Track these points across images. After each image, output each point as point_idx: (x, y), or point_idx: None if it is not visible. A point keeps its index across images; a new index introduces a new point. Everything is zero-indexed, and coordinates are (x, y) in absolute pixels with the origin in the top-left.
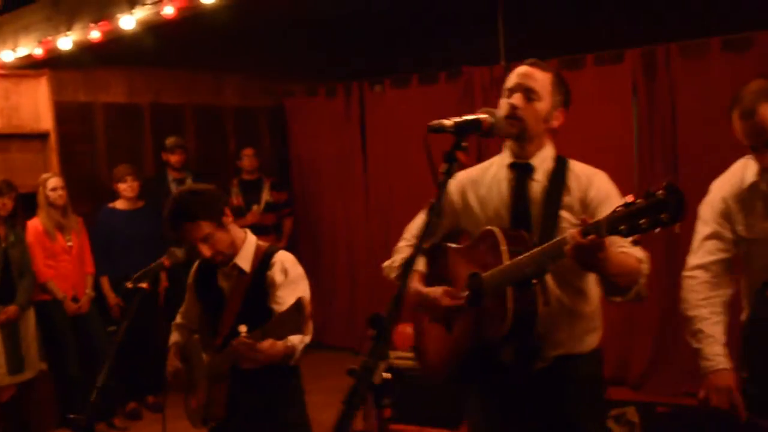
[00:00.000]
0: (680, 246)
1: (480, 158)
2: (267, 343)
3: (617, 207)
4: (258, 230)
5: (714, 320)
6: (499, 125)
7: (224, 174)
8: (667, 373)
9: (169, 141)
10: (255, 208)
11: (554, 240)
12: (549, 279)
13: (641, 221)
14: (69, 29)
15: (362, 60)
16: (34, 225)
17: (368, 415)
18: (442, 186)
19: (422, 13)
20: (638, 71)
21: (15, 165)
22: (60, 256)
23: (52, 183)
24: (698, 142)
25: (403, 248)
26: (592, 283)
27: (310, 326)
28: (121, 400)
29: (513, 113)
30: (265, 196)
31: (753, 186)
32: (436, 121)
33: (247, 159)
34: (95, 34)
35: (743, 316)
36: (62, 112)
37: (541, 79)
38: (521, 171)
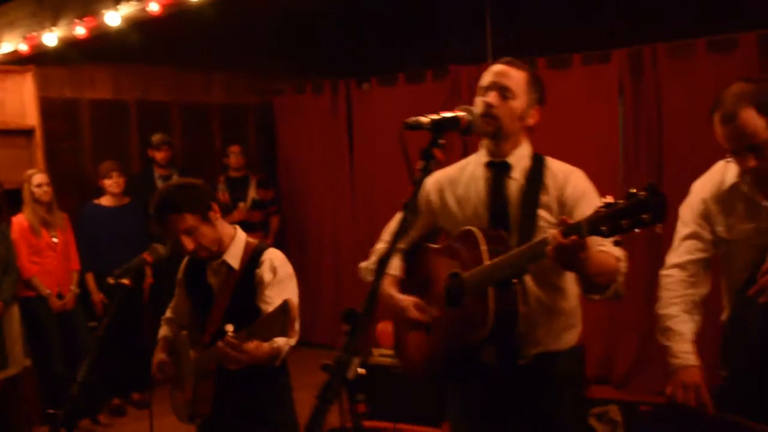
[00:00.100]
0: (665, 245)
1: (466, 156)
2: (252, 345)
3: (599, 207)
4: (244, 227)
5: (684, 318)
6: (476, 123)
7: (211, 171)
8: (651, 372)
9: (155, 138)
10: (241, 205)
11: (535, 241)
12: (528, 278)
13: (623, 222)
14: (54, 25)
15: (350, 58)
16: (19, 221)
17: (344, 410)
18: (418, 183)
19: (410, 12)
20: (625, 71)
21: (0, 161)
22: (45, 253)
23: (38, 179)
24: (684, 142)
25: (381, 249)
26: (570, 281)
27: (296, 328)
28: (106, 397)
29: (488, 111)
30: (252, 193)
31: (733, 187)
32: (412, 118)
33: (234, 156)
34: (80, 31)
35: (723, 316)
36: (48, 108)
37: (516, 77)
38: (498, 169)
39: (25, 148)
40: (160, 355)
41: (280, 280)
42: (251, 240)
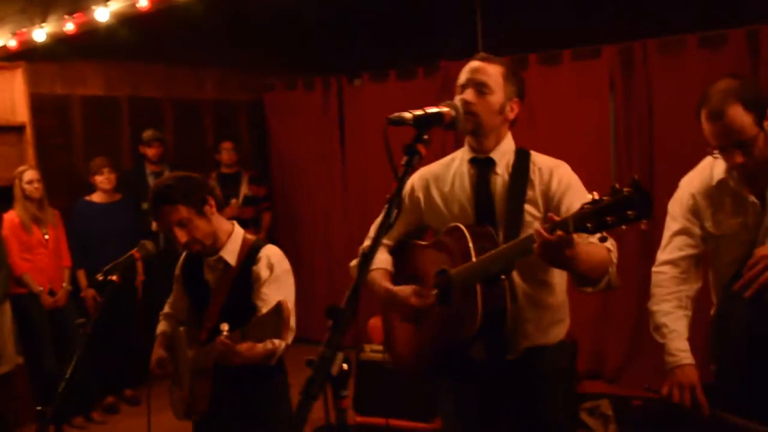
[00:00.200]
0: (656, 240)
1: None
2: (245, 346)
3: (584, 204)
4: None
5: (678, 315)
6: (460, 118)
7: (202, 167)
8: (642, 366)
9: (147, 134)
10: (233, 201)
11: (522, 237)
12: (515, 273)
13: (608, 218)
14: (43, 21)
15: (341, 54)
16: (10, 218)
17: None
18: (402, 179)
19: (401, 8)
20: (615, 67)
21: None
22: (36, 250)
23: (28, 176)
24: (674, 138)
25: (368, 247)
26: (557, 276)
27: (292, 326)
28: (99, 394)
29: (466, 109)
30: (244, 189)
31: (721, 183)
32: (395, 114)
33: (226, 153)
34: (70, 26)
35: (712, 311)
36: (38, 104)
37: (492, 72)
38: (482, 166)
39: (16, 145)
40: (158, 351)
41: (276, 277)
42: (249, 236)
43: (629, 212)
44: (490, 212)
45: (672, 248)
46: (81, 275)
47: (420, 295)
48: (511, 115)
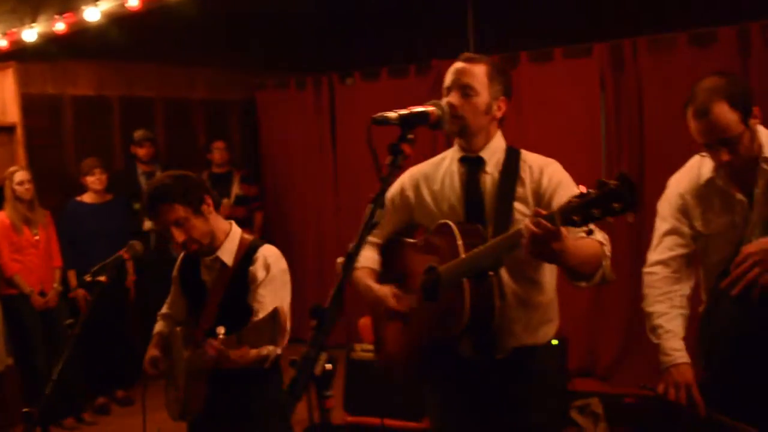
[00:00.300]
0: (648, 236)
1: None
2: (238, 353)
3: (571, 198)
4: None
5: (673, 315)
6: (446, 118)
7: (194, 167)
8: (635, 364)
9: (138, 134)
10: (225, 201)
11: (510, 232)
12: (503, 271)
13: (594, 211)
14: (34, 21)
15: (333, 53)
16: (1, 219)
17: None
18: (385, 179)
19: (393, 7)
20: (606, 65)
21: None
22: (27, 250)
23: (19, 177)
24: (665, 135)
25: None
26: (547, 274)
27: (287, 330)
28: (90, 395)
29: (452, 112)
30: (235, 189)
31: (709, 182)
32: (380, 114)
33: (218, 152)
34: (60, 26)
35: (701, 308)
36: (29, 104)
37: (476, 73)
38: (472, 165)
39: (7, 145)
40: (153, 351)
41: (273, 278)
42: (246, 236)
43: (615, 205)
44: (479, 210)
45: (662, 248)
46: (72, 276)
47: (398, 298)
48: (499, 114)
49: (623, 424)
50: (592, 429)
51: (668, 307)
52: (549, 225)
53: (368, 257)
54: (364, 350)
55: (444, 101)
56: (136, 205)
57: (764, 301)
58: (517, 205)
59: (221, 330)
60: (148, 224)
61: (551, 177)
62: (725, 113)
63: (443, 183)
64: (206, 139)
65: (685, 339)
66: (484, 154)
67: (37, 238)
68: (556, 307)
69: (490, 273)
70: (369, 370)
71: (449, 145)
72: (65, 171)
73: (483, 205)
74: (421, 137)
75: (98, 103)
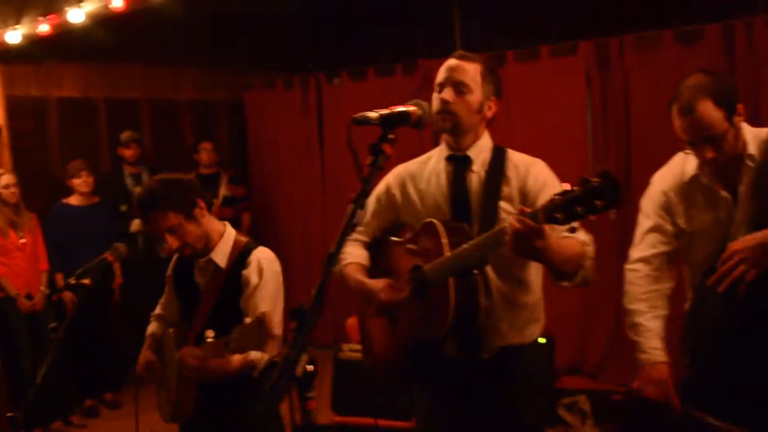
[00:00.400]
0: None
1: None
2: (218, 362)
3: (554, 195)
4: None
5: (653, 314)
6: (429, 117)
7: (181, 168)
8: (623, 361)
9: (124, 135)
10: (214, 202)
11: (494, 230)
12: (490, 270)
13: (577, 208)
14: (17, 23)
15: (321, 52)
16: None
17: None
18: (366, 180)
19: (380, 6)
20: (592, 63)
21: None
22: (13, 254)
23: (4, 180)
24: (651, 132)
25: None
26: (533, 274)
27: (275, 339)
28: (78, 398)
29: (445, 108)
30: (223, 190)
31: (693, 179)
32: (361, 114)
33: (206, 153)
34: (44, 28)
35: (686, 306)
36: (14, 106)
37: (470, 71)
38: (459, 163)
39: None
40: (146, 354)
41: (265, 283)
42: (240, 238)
43: (598, 202)
44: (465, 209)
45: (644, 245)
46: (59, 279)
47: (393, 289)
48: (489, 114)
49: (611, 421)
50: (579, 426)
51: (649, 306)
52: (532, 222)
53: (357, 254)
54: (351, 350)
55: (436, 96)
56: (123, 207)
57: (750, 299)
58: (502, 204)
59: (210, 333)
60: (135, 226)
61: (537, 176)
62: (710, 111)
63: (429, 182)
64: (193, 140)
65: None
66: (471, 153)
67: (23, 241)
68: (542, 307)
69: (475, 272)
70: (357, 370)
71: (436, 144)
72: (51, 173)
73: (469, 203)
74: (407, 136)
75: (84, 105)
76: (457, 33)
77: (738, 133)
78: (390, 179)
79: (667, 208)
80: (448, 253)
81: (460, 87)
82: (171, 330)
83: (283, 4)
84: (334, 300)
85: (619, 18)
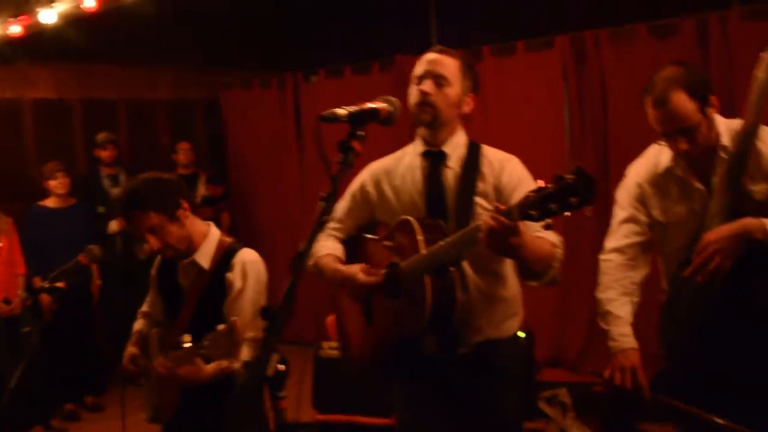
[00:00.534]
0: None
1: None
2: (188, 369)
3: (528, 192)
4: None
5: (622, 301)
6: (398, 113)
7: (158, 169)
8: (604, 353)
9: (100, 136)
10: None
11: (469, 227)
12: (467, 265)
13: (552, 205)
14: None
15: (297, 50)
16: None
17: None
18: (335, 178)
19: (356, 3)
20: (568, 57)
21: None
22: None
23: None
24: (628, 126)
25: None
26: (511, 268)
27: (246, 347)
28: (58, 402)
29: (425, 100)
30: (201, 190)
31: (668, 171)
32: (328, 111)
33: (183, 153)
34: (16, 29)
35: (662, 297)
36: None
37: (449, 64)
38: (434, 159)
39: None
40: (131, 349)
41: (249, 288)
42: (225, 239)
43: (572, 199)
44: (441, 205)
45: (619, 236)
46: (37, 282)
47: (368, 273)
48: (466, 109)
49: (592, 413)
50: (560, 419)
51: (618, 294)
52: (506, 220)
53: (332, 247)
54: (331, 348)
55: (414, 89)
56: (101, 209)
57: (724, 290)
58: (478, 200)
59: (186, 338)
60: (113, 227)
61: (511, 173)
62: (683, 102)
63: (404, 178)
64: (170, 140)
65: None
66: (447, 148)
67: None
68: (520, 301)
69: (451, 268)
70: (337, 367)
71: (412, 140)
72: (26, 176)
73: (444, 200)
74: (384, 132)
75: (59, 106)
76: (433, 29)
77: (711, 125)
78: (365, 176)
79: (641, 200)
80: (423, 251)
81: (440, 80)
82: (155, 330)
83: (258, 3)
84: (316, 297)
85: (594, 12)
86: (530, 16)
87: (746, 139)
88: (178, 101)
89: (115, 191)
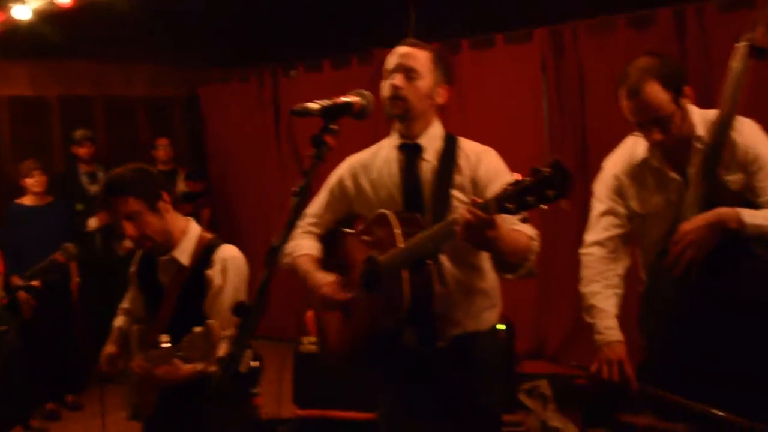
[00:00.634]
0: None
1: None
2: (165, 369)
3: (506, 185)
4: None
5: (607, 294)
6: (371, 107)
7: None
8: (585, 345)
9: (78, 134)
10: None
11: (446, 221)
12: (444, 258)
13: (528, 198)
14: None
15: (276, 45)
16: None
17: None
18: (308, 172)
19: None
20: (547, 49)
21: None
22: None
23: None
24: (606, 117)
25: (295, 234)
26: (488, 260)
27: (224, 344)
28: (38, 401)
29: (396, 93)
30: (180, 186)
31: (644, 162)
32: (300, 105)
33: (162, 149)
34: None
35: (641, 288)
36: None
37: (420, 57)
38: (410, 152)
39: None
40: (110, 347)
41: (229, 285)
42: (205, 234)
43: (549, 192)
44: (417, 198)
45: (599, 229)
46: (15, 281)
47: (337, 286)
48: (440, 101)
49: (573, 405)
50: (541, 411)
51: (602, 287)
52: (482, 213)
53: (309, 245)
54: (311, 343)
55: (386, 83)
56: (80, 206)
57: (700, 280)
58: (455, 192)
59: (164, 338)
60: (92, 224)
61: (488, 166)
62: (657, 93)
63: (381, 171)
64: (148, 137)
65: (624, 318)
66: (423, 141)
67: None
68: (498, 293)
69: (428, 261)
70: (316, 362)
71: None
72: (3, 174)
73: (421, 192)
74: (362, 126)
75: (35, 104)
76: (412, 22)
77: (685, 115)
78: (342, 170)
79: (619, 192)
80: (401, 244)
81: (410, 73)
82: (135, 327)
83: None
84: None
85: (573, 4)
86: (509, 8)
87: (721, 129)
88: (156, 97)
89: (94, 188)
